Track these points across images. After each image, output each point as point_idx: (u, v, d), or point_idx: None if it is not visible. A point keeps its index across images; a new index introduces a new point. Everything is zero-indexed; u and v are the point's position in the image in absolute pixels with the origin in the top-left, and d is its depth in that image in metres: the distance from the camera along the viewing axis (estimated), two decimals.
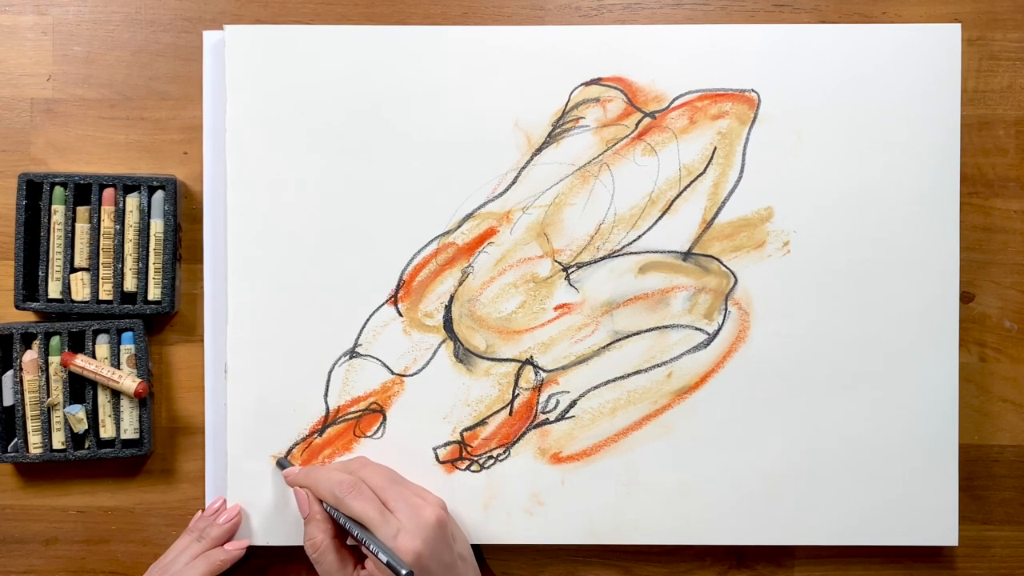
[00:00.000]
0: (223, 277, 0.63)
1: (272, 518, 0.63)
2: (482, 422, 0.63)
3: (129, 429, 0.63)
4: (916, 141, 0.62)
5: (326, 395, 0.63)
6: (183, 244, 0.65)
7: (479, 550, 0.64)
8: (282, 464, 0.62)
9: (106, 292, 0.63)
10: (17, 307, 0.62)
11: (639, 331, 0.63)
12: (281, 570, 0.64)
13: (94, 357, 0.63)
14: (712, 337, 0.63)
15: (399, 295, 0.63)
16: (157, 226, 0.63)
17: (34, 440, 0.63)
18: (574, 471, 0.63)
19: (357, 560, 0.59)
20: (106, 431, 0.63)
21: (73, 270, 0.63)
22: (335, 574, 0.58)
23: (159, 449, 0.65)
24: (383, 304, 0.63)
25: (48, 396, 0.63)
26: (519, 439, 0.63)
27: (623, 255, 0.63)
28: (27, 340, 0.63)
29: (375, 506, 0.56)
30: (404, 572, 0.53)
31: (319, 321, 0.62)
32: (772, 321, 0.63)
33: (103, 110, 0.65)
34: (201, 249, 0.65)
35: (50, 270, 0.63)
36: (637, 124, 0.63)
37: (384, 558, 0.54)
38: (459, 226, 0.63)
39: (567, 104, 0.63)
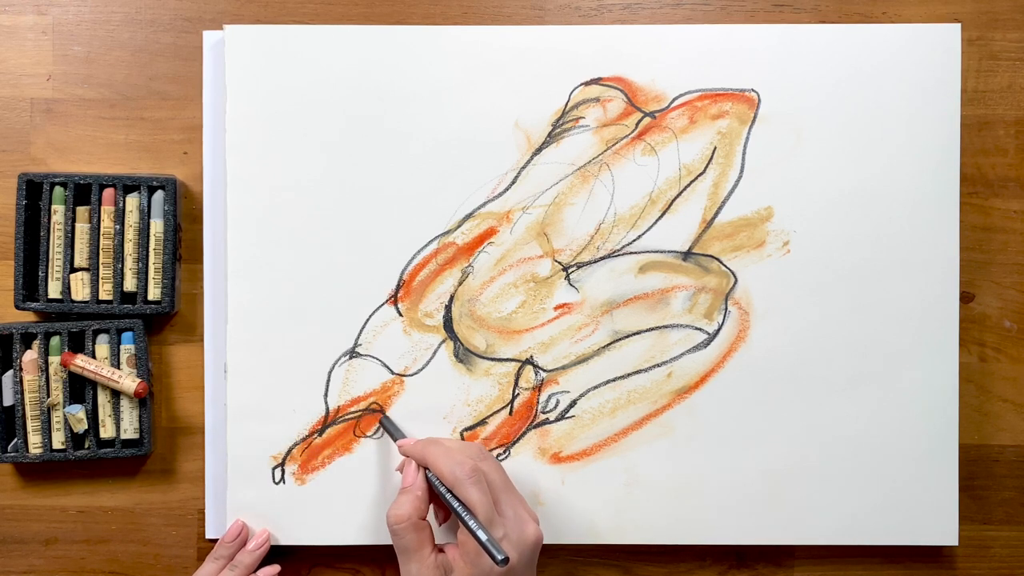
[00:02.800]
0: (223, 277, 0.63)
1: (272, 519, 0.63)
2: (482, 422, 0.63)
3: (129, 429, 0.63)
4: (916, 141, 0.62)
5: (326, 395, 0.63)
6: (183, 244, 0.65)
7: None
8: (387, 427, 0.61)
9: (106, 292, 0.63)
10: (17, 307, 0.62)
11: (639, 331, 0.63)
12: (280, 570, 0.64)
13: (94, 357, 0.63)
14: (712, 337, 0.63)
15: (399, 295, 0.63)
16: (157, 226, 0.63)
17: (34, 440, 0.63)
18: (574, 471, 0.63)
19: (435, 545, 0.57)
20: (106, 431, 0.63)
21: (73, 270, 0.63)
22: (411, 552, 0.55)
23: (159, 449, 0.65)
24: (383, 304, 0.63)
25: (48, 396, 0.63)
26: (519, 439, 0.63)
27: (623, 255, 0.63)
28: (27, 340, 0.63)
29: (489, 502, 0.54)
30: (500, 557, 0.52)
31: (319, 321, 0.62)
32: (772, 321, 0.63)
33: (103, 110, 0.65)
34: (201, 249, 0.65)
35: (50, 270, 0.63)
36: (637, 124, 0.63)
37: (483, 535, 0.52)
38: (459, 226, 0.63)
39: (567, 104, 0.63)
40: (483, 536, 0.53)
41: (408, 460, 0.58)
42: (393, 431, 0.61)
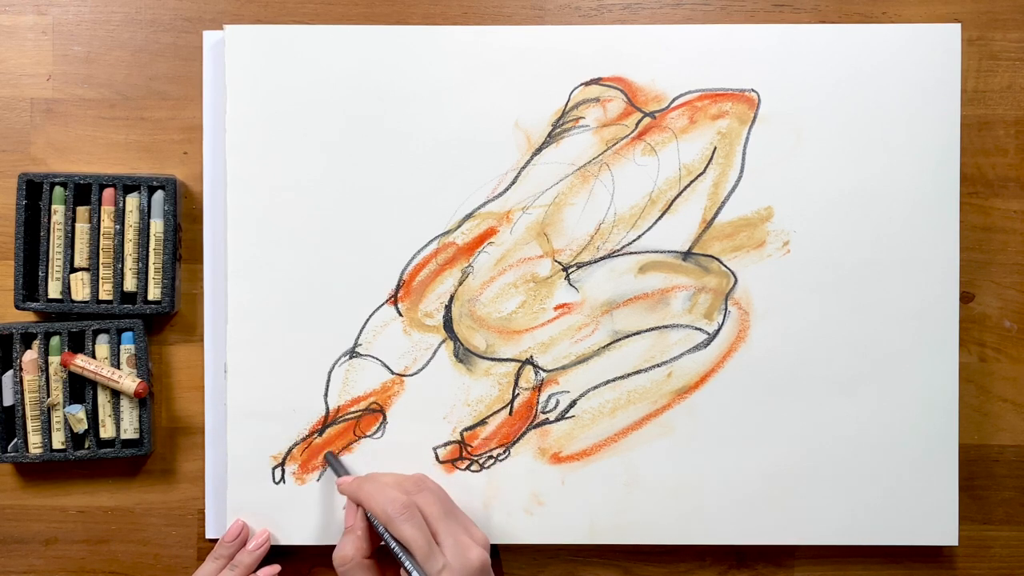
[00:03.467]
0: (223, 277, 0.63)
1: (272, 519, 0.63)
2: (482, 422, 0.63)
3: (129, 429, 0.63)
4: (916, 141, 0.62)
5: (326, 395, 0.63)
6: (183, 244, 0.65)
7: (495, 549, 0.64)
8: (331, 463, 0.61)
9: (106, 292, 0.63)
10: (17, 307, 0.62)
11: (639, 331, 0.63)
12: (280, 571, 0.64)
13: (94, 357, 0.63)
14: (712, 337, 0.63)
15: (399, 295, 0.63)
16: (157, 226, 0.63)
17: (34, 440, 0.63)
18: (574, 471, 0.63)
19: None
20: (106, 431, 0.63)
21: (73, 270, 0.63)
22: None
23: (159, 449, 0.65)
24: (383, 304, 0.63)
25: (48, 396, 0.63)
26: (519, 439, 0.63)
27: (623, 255, 0.63)
28: (27, 340, 0.63)
29: (425, 535, 0.55)
30: None
31: (319, 321, 0.62)
32: (772, 321, 0.63)
33: (103, 110, 0.65)
34: (201, 249, 0.65)
35: (50, 270, 0.63)
36: (637, 124, 0.63)
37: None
38: (459, 226, 0.63)
39: (567, 104, 0.63)
40: (412, 573, 0.54)
41: (348, 501, 0.59)
42: (336, 467, 0.62)
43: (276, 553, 0.64)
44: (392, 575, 0.58)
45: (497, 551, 0.64)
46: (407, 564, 0.54)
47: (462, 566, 0.54)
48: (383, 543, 0.57)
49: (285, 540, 0.63)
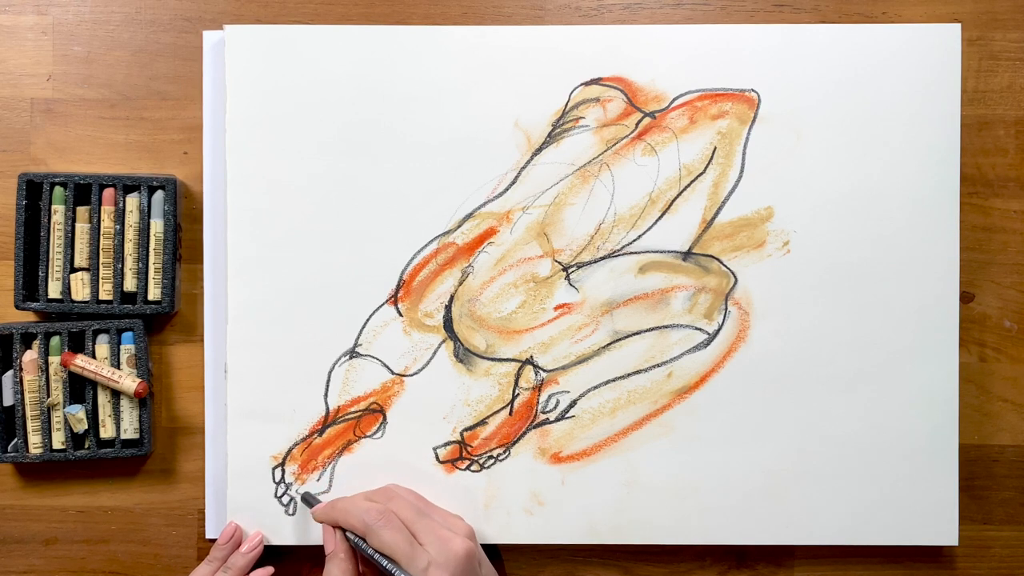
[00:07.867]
0: (223, 277, 0.63)
1: (272, 519, 0.63)
2: (482, 422, 0.63)
3: (129, 429, 0.63)
4: (916, 141, 0.62)
5: (326, 395, 0.63)
6: (183, 244, 0.65)
7: (496, 550, 0.64)
8: (308, 500, 0.62)
9: (106, 292, 0.63)
10: (17, 307, 0.62)
11: (639, 331, 0.63)
12: (280, 571, 0.64)
13: (94, 357, 0.63)
14: (712, 337, 0.63)
15: (399, 295, 0.63)
16: (157, 226, 0.63)
17: (34, 440, 0.63)
18: (574, 471, 0.63)
19: None
20: (106, 431, 0.63)
21: (73, 270, 0.63)
22: None
23: (159, 449, 0.65)
24: (383, 304, 0.63)
25: (48, 396, 0.63)
26: (519, 439, 0.63)
27: (623, 255, 0.63)
28: (27, 340, 0.63)
29: (405, 537, 0.55)
30: None
31: (319, 321, 0.62)
32: (772, 321, 0.63)
33: (103, 110, 0.65)
34: (201, 249, 0.65)
35: (50, 270, 0.63)
36: (637, 124, 0.63)
37: None
38: (459, 226, 0.63)
39: (567, 104, 0.63)
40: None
41: (325, 526, 0.59)
42: (311, 501, 0.62)
43: (276, 553, 0.64)
44: None
45: (498, 552, 0.64)
46: (393, 571, 0.54)
47: (447, 559, 0.54)
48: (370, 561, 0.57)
49: (285, 540, 0.63)
